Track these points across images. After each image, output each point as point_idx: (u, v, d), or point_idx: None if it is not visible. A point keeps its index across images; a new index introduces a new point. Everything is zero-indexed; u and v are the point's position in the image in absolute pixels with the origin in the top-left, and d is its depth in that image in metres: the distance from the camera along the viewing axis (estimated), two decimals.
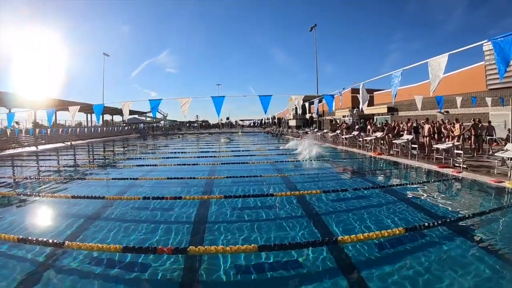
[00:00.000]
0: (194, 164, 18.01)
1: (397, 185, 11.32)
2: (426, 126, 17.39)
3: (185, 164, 18.38)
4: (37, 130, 45.07)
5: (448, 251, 5.64)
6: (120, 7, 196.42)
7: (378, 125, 23.81)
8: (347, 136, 25.32)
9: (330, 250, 5.73)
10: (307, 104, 28.56)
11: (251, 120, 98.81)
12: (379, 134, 19.20)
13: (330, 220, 7.53)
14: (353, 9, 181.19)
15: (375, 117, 37.30)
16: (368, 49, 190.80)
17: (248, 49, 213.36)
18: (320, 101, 26.10)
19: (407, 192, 10.04)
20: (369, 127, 23.70)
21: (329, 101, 17.31)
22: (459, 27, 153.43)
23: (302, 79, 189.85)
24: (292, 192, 10.13)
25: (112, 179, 14.47)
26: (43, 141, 44.94)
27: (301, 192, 10.22)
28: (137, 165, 18.93)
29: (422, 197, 9.41)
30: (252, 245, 5.62)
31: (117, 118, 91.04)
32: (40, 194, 11.48)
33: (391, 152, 17.84)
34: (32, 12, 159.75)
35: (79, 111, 20.58)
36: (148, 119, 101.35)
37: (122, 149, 36.52)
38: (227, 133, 70.23)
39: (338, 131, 28.56)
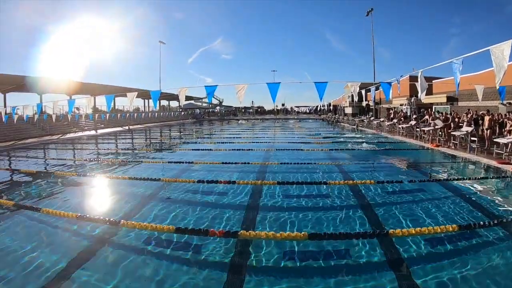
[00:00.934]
0: (249, 150, 18.08)
1: (453, 179, 10.74)
2: (487, 118, 16.53)
3: (239, 149, 18.43)
4: (96, 115, 46.60)
5: (502, 253, 5.32)
6: None
7: (437, 115, 23.01)
8: (404, 125, 24.54)
9: (380, 242, 5.60)
10: (363, 92, 28.02)
11: (306, 106, 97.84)
12: (439, 123, 18.36)
13: (382, 212, 7.35)
14: None
15: (433, 107, 36.02)
16: (427, 34, 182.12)
17: (304, 34, 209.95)
18: (377, 89, 25.50)
19: (463, 187, 9.51)
20: (427, 117, 22.85)
21: (386, 89, 16.82)
22: None
23: (359, 65, 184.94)
24: (346, 181, 9.93)
25: (168, 162, 14.78)
26: (102, 126, 46.50)
27: (354, 181, 9.97)
28: (192, 149, 19.45)
29: (479, 194, 8.84)
30: (303, 232, 5.59)
31: (173, 104, 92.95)
32: (99, 175, 12.07)
33: (449, 144, 17.17)
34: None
35: (137, 97, 21.09)
36: (204, 104, 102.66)
37: (178, 133, 37.39)
38: (282, 119, 70.31)
39: (395, 120, 27.74)
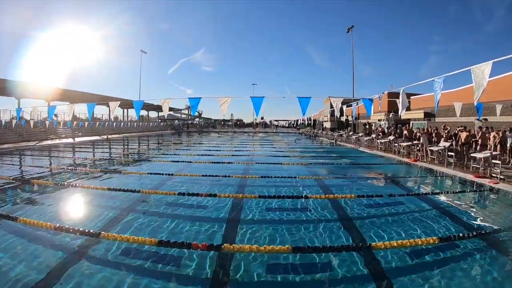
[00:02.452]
0: (229, 163, 18.12)
1: (432, 193, 10.94)
2: (464, 134, 16.96)
3: (219, 162, 18.48)
4: (75, 123, 46.08)
5: (481, 264, 5.51)
6: (156, 5, 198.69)
7: (414, 131, 23.44)
8: (382, 140, 24.92)
9: (363, 255, 5.66)
10: (344, 107, 28.38)
11: (286, 120, 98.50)
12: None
13: (363, 225, 7.43)
14: (390, 11, 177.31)
15: (411, 122, 36.62)
16: (406, 51, 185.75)
17: (284, 49, 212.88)
18: (349, 105, 25.92)
19: (442, 201, 9.70)
20: (405, 132, 23.28)
21: (368, 105, 17.06)
22: (502, 28, 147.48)
23: (339, 81, 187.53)
24: (326, 195, 10.05)
25: (148, 173, 14.66)
26: (80, 134, 46.04)
27: (335, 195, 10.08)
28: (172, 161, 19.25)
29: (457, 207, 9.09)
30: (286, 246, 5.62)
31: (152, 114, 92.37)
32: (77, 184, 11.95)
33: (427, 159, 17.47)
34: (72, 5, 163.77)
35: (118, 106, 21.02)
36: (183, 116, 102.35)
37: (157, 144, 37.11)
38: (261, 132, 70.46)
39: (373, 135, 28.16)
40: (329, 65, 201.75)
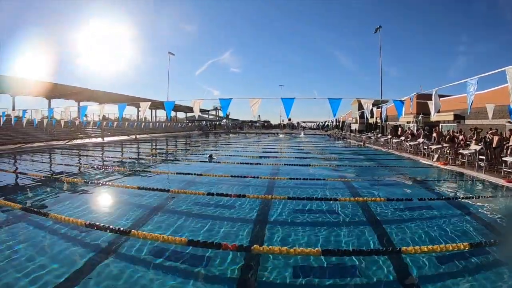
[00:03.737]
0: (257, 164, 18.09)
1: (462, 198, 10.62)
2: (496, 137, 16.47)
3: (247, 163, 18.50)
4: (104, 123, 46.81)
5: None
6: (184, 7, 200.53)
7: (444, 133, 22.97)
8: (411, 143, 24.48)
9: (392, 259, 5.54)
10: (374, 109, 27.76)
11: (313, 122, 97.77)
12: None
13: (393, 229, 7.25)
14: (417, 11, 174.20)
15: (440, 125, 35.84)
16: (433, 52, 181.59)
17: (311, 50, 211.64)
18: (379, 106, 25.57)
19: (473, 206, 9.40)
20: (434, 134, 22.78)
21: (399, 107, 16.75)
22: None
23: (365, 82, 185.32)
24: (356, 198, 9.85)
25: (177, 173, 14.75)
26: (109, 134, 46.67)
27: (364, 198, 9.90)
28: (200, 161, 19.39)
29: (488, 212, 8.78)
30: (316, 248, 5.53)
31: (180, 115, 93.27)
32: (106, 183, 12.19)
33: (457, 162, 17.06)
34: (102, 7, 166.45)
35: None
36: (210, 117, 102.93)
37: (185, 145, 37.37)
38: (289, 134, 70.15)
39: (402, 138, 27.66)
40: (355, 66, 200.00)
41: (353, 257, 5.58)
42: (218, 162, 18.71)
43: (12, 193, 11.04)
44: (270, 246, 5.77)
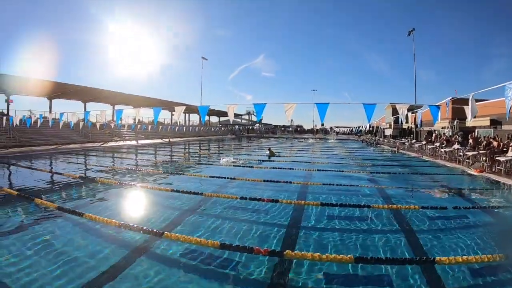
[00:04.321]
0: (290, 169, 17.99)
1: (499, 207, 10.31)
2: None
3: (280, 168, 18.45)
4: (138, 126, 47.61)
5: None
6: (217, 12, 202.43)
7: (480, 139, 22.35)
8: (446, 149, 23.89)
9: (426, 269, 5.37)
10: (409, 114, 27.12)
11: (346, 127, 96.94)
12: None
13: (427, 238, 7.04)
14: (450, 12, 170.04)
15: (476, 130, 34.84)
16: (467, 53, 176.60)
17: (344, 53, 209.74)
18: (415, 111, 25.10)
19: (509, 216, 9.17)
20: (470, 140, 22.18)
21: (435, 112, 16.37)
22: None
23: (398, 86, 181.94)
24: (389, 205, 9.66)
25: (210, 176, 14.82)
26: (143, 136, 47.42)
27: (398, 206, 9.70)
28: (233, 165, 19.47)
29: None
30: (349, 255, 5.44)
31: (212, 119, 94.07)
32: (140, 185, 12.36)
33: (493, 169, 16.54)
34: (135, 13, 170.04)
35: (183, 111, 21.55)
36: (243, 121, 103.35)
37: (218, 149, 37.62)
38: (321, 139, 69.69)
39: (437, 144, 27.01)
40: (389, 70, 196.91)
41: (386, 265, 5.46)
42: (251, 167, 18.68)
43: (49, 193, 11.45)
44: (302, 252, 5.72)
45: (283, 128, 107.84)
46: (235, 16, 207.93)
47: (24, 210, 9.12)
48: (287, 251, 5.64)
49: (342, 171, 17.62)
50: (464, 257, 5.47)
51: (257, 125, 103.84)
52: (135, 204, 10.38)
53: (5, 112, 40.56)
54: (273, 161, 22.65)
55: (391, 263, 5.49)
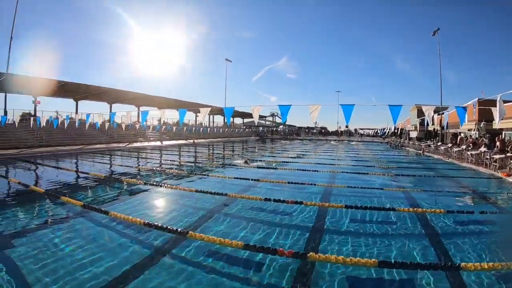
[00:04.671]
0: (314, 171, 17.89)
1: None
2: None
3: (304, 170, 18.34)
4: (163, 127, 48.05)
5: None
6: (241, 15, 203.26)
7: (509, 142, 21.81)
8: (473, 152, 23.34)
9: (451, 275, 5.28)
10: (435, 116, 26.36)
11: (370, 129, 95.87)
12: None
13: (452, 243, 6.88)
14: (475, 12, 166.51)
15: (503, 132, 33.92)
16: (493, 54, 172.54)
17: (366, 55, 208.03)
18: (442, 113, 24.62)
19: None
20: (498, 143, 21.63)
21: (461, 114, 16.01)
22: None
23: (423, 87, 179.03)
24: (414, 209, 9.48)
25: (234, 178, 14.92)
26: (167, 137, 47.81)
27: (423, 209, 9.51)
28: (257, 167, 19.53)
29: None
30: (373, 259, 5.37)
31: (236, 120, 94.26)
32: (164, 184, 12.51)
33: None
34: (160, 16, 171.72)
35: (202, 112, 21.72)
36: (267, 122, 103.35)
37: (242, 150, 37.68)
38: (346, 141, 69.13)
39: (463, 146, 26.44)
40: (413, 71, 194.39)
41: (410, 270, 5.39)
42: (275, 168, 18.65)
43: (74, 191, 11.68)
44: (326, 255, 5.67)
45: (307, 130, 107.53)
46: (259, 18, 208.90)
47: (50, 208, 9.43)
48: (310, 253, 5.59)
49: (367, 173, 17.44)
50: (490, 263, 5.33)
51: (281, 126, 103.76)
52: (159, 204, 10.53)
53: (32, 113, 41.59)
54: (298, 162, 22.57)
55: (415, 268, 5.40)
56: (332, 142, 64.11)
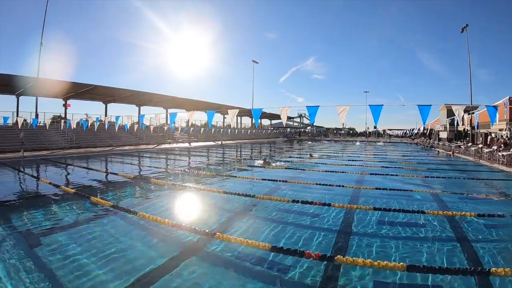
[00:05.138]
0: (342, 172, 17.74)
1: None
2: None
3: (332, 171, 18.15)
4: (191, 129, 48.48)
5: None
6: (266, 16, 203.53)
7: None
8: (504, 153, 22.62)
9: (480, 281, 5.16)
10: (465, 115, 25.46)
11: (399, 130, 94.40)
12: None
13: (482, 247, 6.72)
14: (505, 7, 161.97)
15: None
16: None
17: (394, 54, 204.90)
18: (472, 112, 24.07)
19: None
20: None
21: (492, 113, 15.56)
22: None
23: (452, 86, 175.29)
24: (444, 212, 9.25)
25: (262, 179, 14.91)
26: (196, 139, 48.18)
27: (453, 212, 9.32)
28: (285, 168, 19.49)
29: None
30: (401, 263, 5.29)
31: (263, 122, 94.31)
32: (192, 186, 12.69)
33: None
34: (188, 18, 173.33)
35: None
36: (294, 124, 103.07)
37: (270, 151, 37.65)
38: (374, 142, 68.29)
39: (494, 147, 25.68)
40: (442, 70, 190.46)
41: (438, 275, 5.29)
42: (303, 170, 18.57)
43: (104, 192, 11.99)
44: (353, 258, 5.61)
45: (335, 131, 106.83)
46: (284, 19, 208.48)
47: (80, 208, 9.69)
48: (338, 256, 5.56)
49: (395, 175, 17.19)
50: None
51: (308, 127, 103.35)
52: (187, 205, 10.66)
53: (63, 115, 42.67)
54: (325, 164, 22.43)
55: (444, 272, 5.30)
56: (360, 144, 63.48)
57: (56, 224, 7.98)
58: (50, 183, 12.96)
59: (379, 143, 64.53)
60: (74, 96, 43.07)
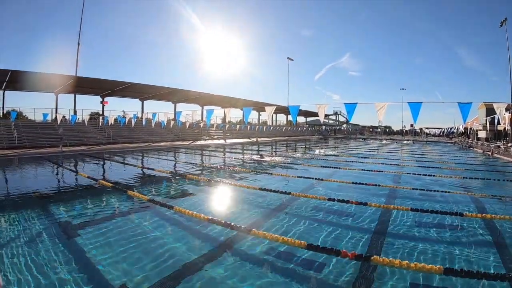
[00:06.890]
0: (379, 171, 17.53)
1: None
2: None
3: (369, 170, 17.96)
4: (227, 126, 48.84)
5: None
6: (301, 13, 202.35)
7: None
8: None
9: None
10: (507, 114, 24.35)
11: (437, 128, 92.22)
12: None
13: None
14: None
15: None
16: None
17: (431, 51, 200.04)
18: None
19: None
20: None
21: None
22: None
23: (491, 83, 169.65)
24: (482, 215, 8.94)
25: (298, 176, 14.92)
26: (231, 136, 48.49)
27: (492, 215, 9.01)
28: (321, 166, 19.33)
29: None
30: (438, 266, 5.19)
31: (299, 119, 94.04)
32: (227, 182, 12.90)
33: None
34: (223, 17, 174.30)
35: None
36: (330, 121, 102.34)
37: (305, 149, 37.55)
38: (411, 140, 67.04)
39: None
40: (481, 66, 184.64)
41: (476, 279, 5.16)
42: (338, 168, 18.45)
43: (140, 186, 12.31)
44: (390, 259, 5.56)
45: (371, 129, 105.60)
46: (319, 16, 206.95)
47: (118, 201, 10.00)
48: (374, 256, 5.52)
49: (433, 175, 16.86)
50: None
51: (344, 125, 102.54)
52: (223, 200, 10.77)
53: (101, 112, 43.83)
54: (362, 162, 22.21)
55: (482, 277, 5.17)
56: (396, 142, 62.51)
57: (94, 217, 8.27)
58: (88, 177, 13.33)
59: (418, 142, 63.43)
60: (111, 94, 44.35)
